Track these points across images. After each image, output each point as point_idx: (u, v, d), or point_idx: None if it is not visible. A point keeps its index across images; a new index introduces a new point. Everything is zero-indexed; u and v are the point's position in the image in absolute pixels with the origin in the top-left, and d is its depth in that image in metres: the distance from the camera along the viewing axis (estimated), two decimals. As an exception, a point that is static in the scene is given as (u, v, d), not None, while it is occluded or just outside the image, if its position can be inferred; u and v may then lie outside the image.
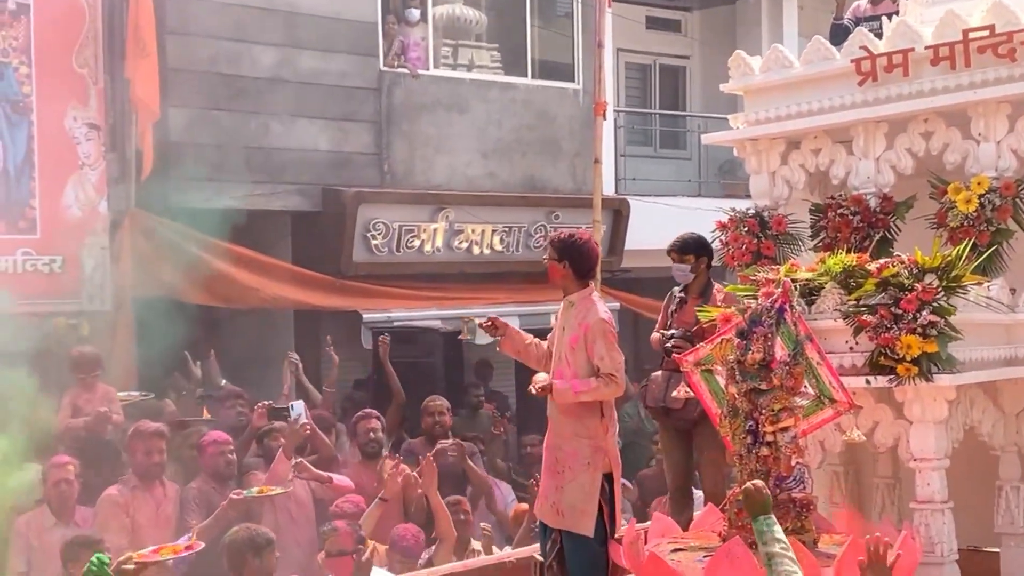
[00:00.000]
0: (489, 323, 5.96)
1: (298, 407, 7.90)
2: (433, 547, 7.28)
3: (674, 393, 5.91)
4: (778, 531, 4.12)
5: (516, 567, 6.19)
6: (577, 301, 5.75)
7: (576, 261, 5.76)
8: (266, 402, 8.42)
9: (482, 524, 7.64)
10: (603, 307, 5.79)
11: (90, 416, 8.34)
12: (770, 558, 4.00)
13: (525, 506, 7.73)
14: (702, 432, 6.19)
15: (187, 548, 5.37)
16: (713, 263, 6.78)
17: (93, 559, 4.62)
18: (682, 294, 6.49)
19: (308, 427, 7.84)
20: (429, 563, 6.88)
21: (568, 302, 5.78)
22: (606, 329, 5.65)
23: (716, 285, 6.43)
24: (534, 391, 5.69)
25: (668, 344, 6.23)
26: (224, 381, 9.79)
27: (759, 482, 4.28)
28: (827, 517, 5.88)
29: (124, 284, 10.16)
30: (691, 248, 6.42)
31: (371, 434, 8.31)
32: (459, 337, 6.58)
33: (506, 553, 6.79)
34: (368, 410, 8.63)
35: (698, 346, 5.61)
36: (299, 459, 7.61)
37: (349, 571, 6.31)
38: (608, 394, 5.66)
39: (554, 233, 5.99)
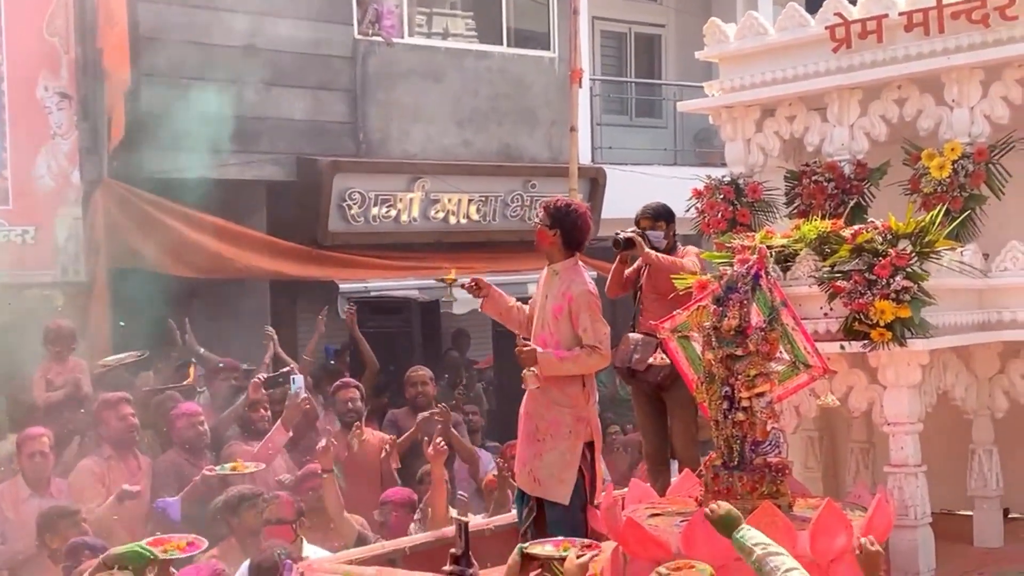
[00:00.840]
0: (473, 284, 5.95)
1: (299, 380, 7.91)
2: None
3: (650, 360, 5.93)
4: (755, 536, 4.10)
5: (495, 535, 6.21)
6: (561, 270, 5.74)
7: (568, 231, 5.74)
8: (262, 375, 8.40)
9: (459, 492, 7.65)
10: (588, 278, 5.80)
11: (65, 387, 8.32)
12: (759, 564, 4.01)
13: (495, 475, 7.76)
14: (673, 396, 6.24)
15: (190, 545, 5.37)
16: (689, 231, 6.84)
17: (134, 549, 4.73)
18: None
19: (308, 400, 7.83)
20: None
21: (552, 270, 5.77)
22: (591, 300, 5.66)
23: (681, 248, 6.49)
24: (521, 357, 5.65)
25: (621, 236, 6.28)
26: (202, 350, 9.76)
27: (719, 504, 4.25)
28: (802, 481, 5.94)
29: (98, 255, 10.11)
30: (662, 215, 6.54)
31: (349, 403, 8.33)
32: (443, 299, 6.55)
33: (484, 521, 6.80)
34: (347, 379, 8.65)
35: (675, 312, 5.63)
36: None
37: (289, 539, 6.29)
38: (592, 365, 5.68)
39: (550, 199, 5.96)
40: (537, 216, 5.84)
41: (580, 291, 5.65)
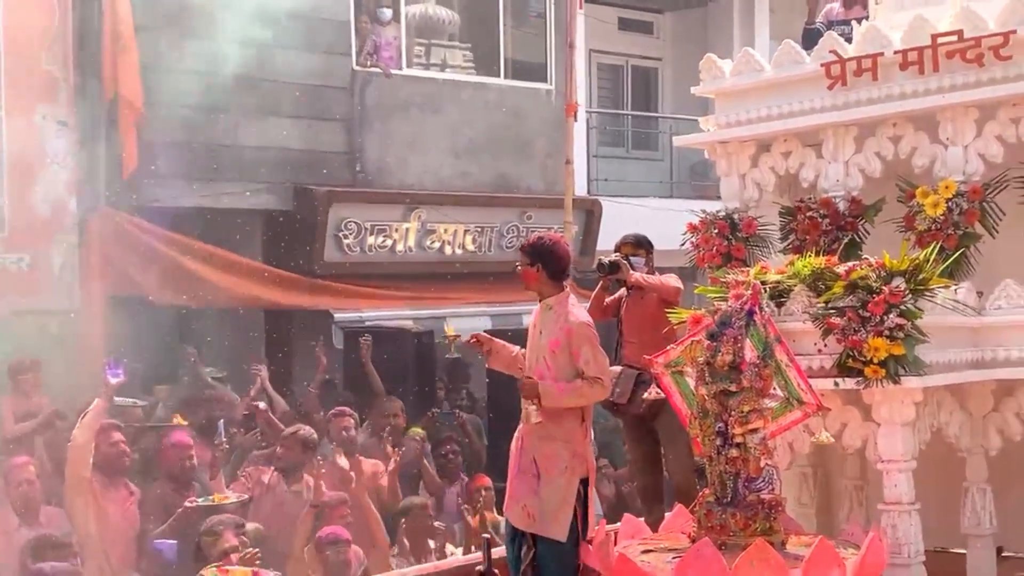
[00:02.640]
0: (474, 340, 5.92)
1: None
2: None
3: (644, 395, 5.93)
4: None
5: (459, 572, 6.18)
6: (555, 304, 5.72)
7: (548, 263, 5.74)
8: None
9: (436, 522, 7.63)
10: (582, 310, 5.80)
11: (40, 418, 8.27)
12: None
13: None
14: (662, 426, 6.24)
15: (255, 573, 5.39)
16: (684, 265, 6.88)
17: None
18: (627, 290, 6.60)
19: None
20: (366, 572, 6.86)
21: (545, 305, 5.74)
22: (590, 332, 5.64)
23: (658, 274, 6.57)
24: (523, 389, 5.62)
25: (607, 260, 6.40)
26: (210, 378, 9.73)
27: None
28: (796, 518, 5.92)
29: (93, 283, 10.10)
30: (643, 243, 6.70)
31: (344, 432, 8.32)
32: (447, 356, 6.57)
33: (471, 557, 6.78)
34: (342, 407, 8.63)
35: (668, 348, 5.63)
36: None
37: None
38: (594, 396, 5.65)
39: (525, 239, 5.99)
40: (519, 258, 5.82)
41: (578, 324, 5.64)
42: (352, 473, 7.86)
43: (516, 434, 5.76)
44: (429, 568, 6.59)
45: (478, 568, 4.28)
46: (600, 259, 6.42)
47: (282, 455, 7.76)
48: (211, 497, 7.28)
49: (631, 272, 6.37)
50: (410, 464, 8.50)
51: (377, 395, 9.68)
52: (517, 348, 5.95)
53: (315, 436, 8.09)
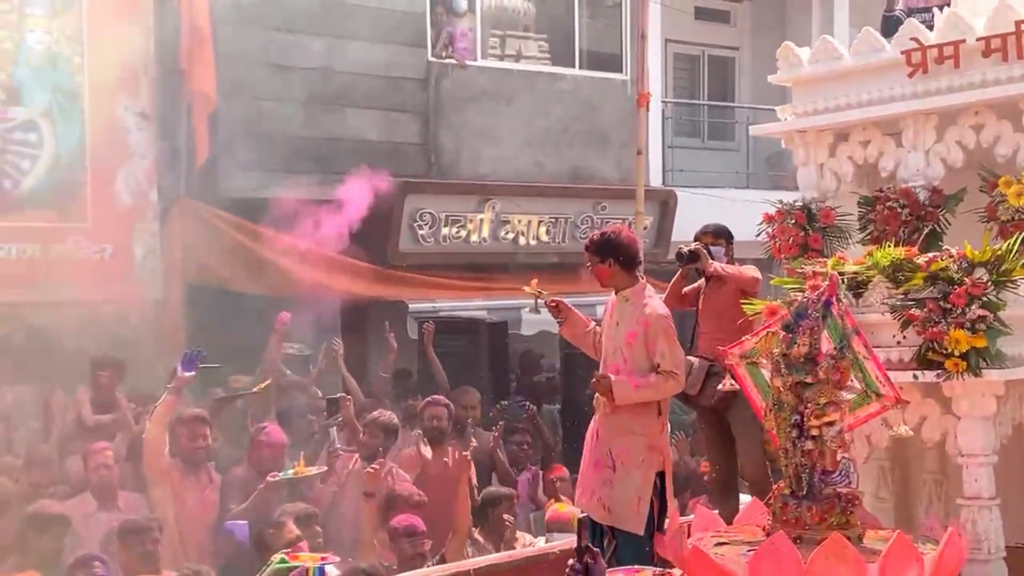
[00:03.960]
0: (554, 304, 5.95)
1: (332, 432, 8.03)
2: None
3: (719, 386, 5.89)
4: None
5: (560, 559, 6.18)
6: (631, 296, 5.71)
7: (619, 255, 5.73)
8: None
9: (505, 516, 7.62)
10: (660, 302, 5.78)
11: (118, 415, 8.40)
12: None
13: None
14: (734, 418, 6.20)
15: (323, 559, 5.49)
16: (760, 255, 6.81)
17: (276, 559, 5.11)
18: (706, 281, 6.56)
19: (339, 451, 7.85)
20: (442, 557, 6.87)
21: (622, 297, 5.74)
22: (667, 325, 5.64)
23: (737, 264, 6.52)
24: (599, 403, 5.61)
25: (686, 250, 6.37)
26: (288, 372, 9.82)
27: None
28: (873, 512, 5.84)
29: (174, 272, 10.25)
30: (723, 233, 6.67)
31: (435, 421, 8.37)
32: (527, 311, 6.57)
33: (548, 546, 6.79)
34: (437, 396, 8.70)
35: (743, 338, 5.58)
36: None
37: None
38: (668, 391, 5.65)
39: (589, 237, 5.97)
40: (587, 258, 5.80)
41: (656, 316, 5.63)
42: (445, 461, 7.90)
43: (591, 425, 5.77)
44: (507, 556, 6.62)
45: (579, 546, 4.17)
46: (680, 248, 6.39)
47: (365, 441, 7.83)
48: (290, 471, 7.36)
49: (710, 262, 6.33)
50: (483, 454, 8.52)
51: (440, 386, 9.68)
52: (593, 323, 5.97)
53: (396, 421, 8.15)
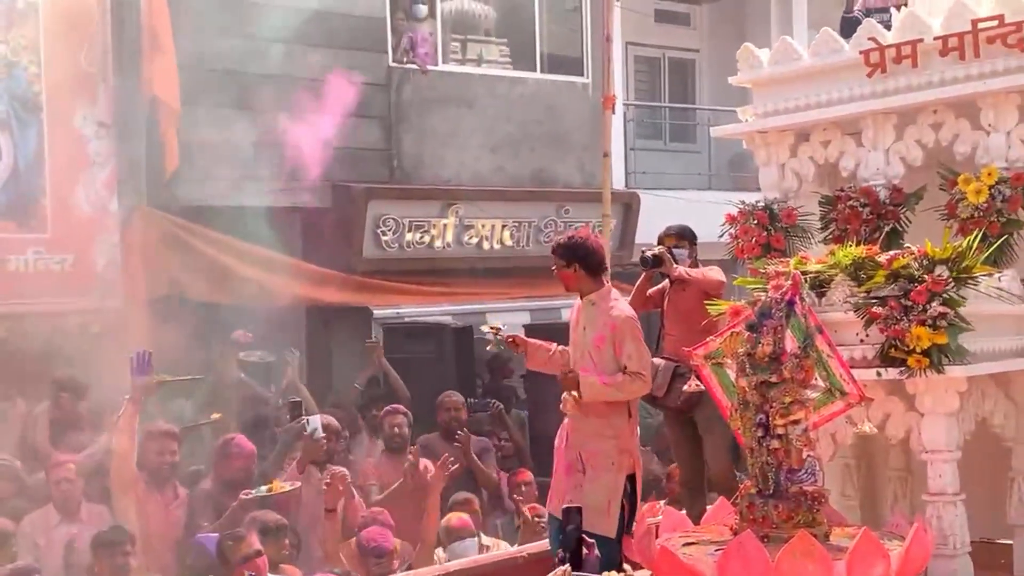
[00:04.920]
0: (511, 340, 5.93)
1: (314, 422, 7.86)
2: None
3: (684, 387, 5.91)
4: None
5: (528, 563, 6.18)
6: (598, 300, 5.72)
7: (585, 260, 5.74)
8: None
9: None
10: (626, 305, 5.80)
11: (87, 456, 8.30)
12: None
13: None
14: (701, 418, 6.23)
15: None
16: (723, 256, 6.84)
17: None
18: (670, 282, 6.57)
19: (324, 442, 7.75)
20: (409, 566, 6.84)
21: (588, 301, 5.74)
22: (634, 327, 5.65)
23: (701, 266, 6.53)
24: (566, 400, 5.59)
25: (649, 254, 6.34)
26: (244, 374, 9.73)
27: None
28: (839, 510, 5.87)
29: (136, 282, 10.17)
30: (687, 235, 6.70)
31: (396, 429, 8.34)
32: (487, 348, 6.55)
33: (517, 548, 6.78)
34: (396, 405, 8.66)
35: (708, 339, 5.60)
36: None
37: (264, 573, 6.10)
38: (634, 391, 5.66)
39: (554, 240, 5.95)
40: (553, 261, 5.80)
41: (623, 319, 5.64)
42: (409, 470, 7.87)
43: (560, 430, 5.76)
44: (473, 562, 6.61)
45: (570, 527, 4.14)
46: (644, 252, 6.40)
47: (305, 449, 7.77)
48: (265, 487, 7.30)
49: (674, 266, 6.35)
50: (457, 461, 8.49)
51: (400, 398, 9.61)
52: (555, 346, 5.94)
53: (336, 423, 8.09)
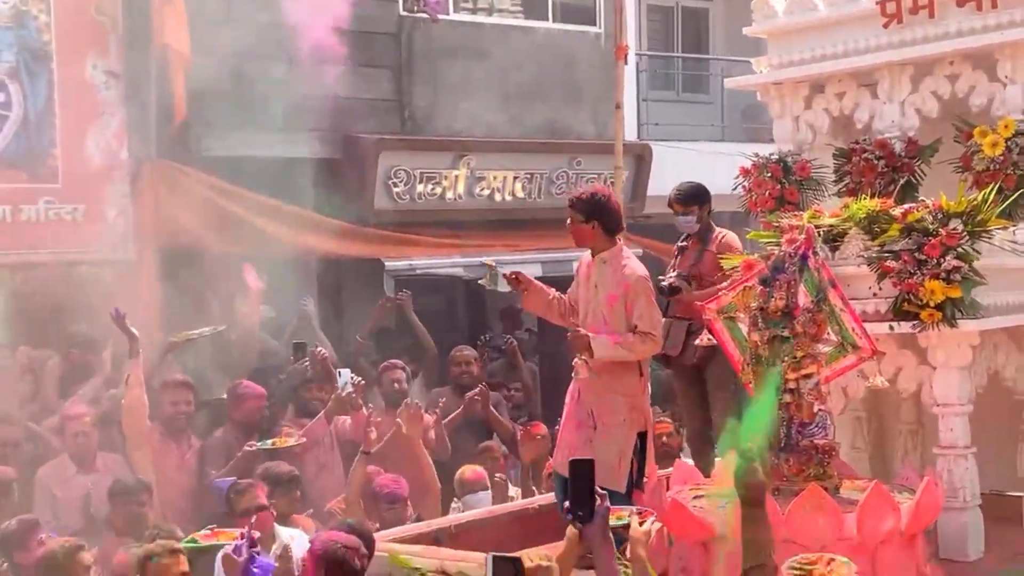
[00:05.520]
0: (513, 276, 5.86)
1: (345, 375, 7.87)
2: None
3: (696, 341, 5.89)
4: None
5: (539, 514, 6.20)
6: (609, 258, 5.65)
7: (604, 219, 5.66)
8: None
9: (497, 475, 7.62)
10: (639, 264, 5.75)
11: (91, 392, 8.33)
12: None
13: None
14: (712, 375, 6.21)
15: (241, 536, 5.49)
16: (737, 209, 6.78)
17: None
18: (685, 243, 6.50)
19: (356, 396, 7.76)
20: (418, 517, 6.87)
21: (600, 259, 5.68)
22: (647, 287, 5.61)
23: (716, 229, 6.42)
24: (573, 343, 5.55)
25: (665, 284, 6.24)
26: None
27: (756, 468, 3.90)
28: (849, 463, 5.88)
29: (146, 233, 10.17)
30: (692, 198, 6.45)
31: (395, 384, 8.34)
32: (479, 282, 6.44)
33: (527, 501, 6.81)
34: (394, 360, 8.64)
35: (720, 292, 5.59)
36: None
37: (270, 526, 6.04)
38: (645, 351, 5.64)
39: (574, 193, 5.84)
40: (569, 214, 5.70)
41: (636, 278, 5.58)
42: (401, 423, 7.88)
43: (572, 386, 5.75)
44: (486, 512, 6.64)
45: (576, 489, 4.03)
46: (660, 282, 6.26)
47: (336, 401, 7.79)
48: (270, 441, 7.34)
49: (691, 292, 6.18)
50: (478, 414, 8.52)
51: (427, 350, 9.63)
52: (555, 292, 5.91)
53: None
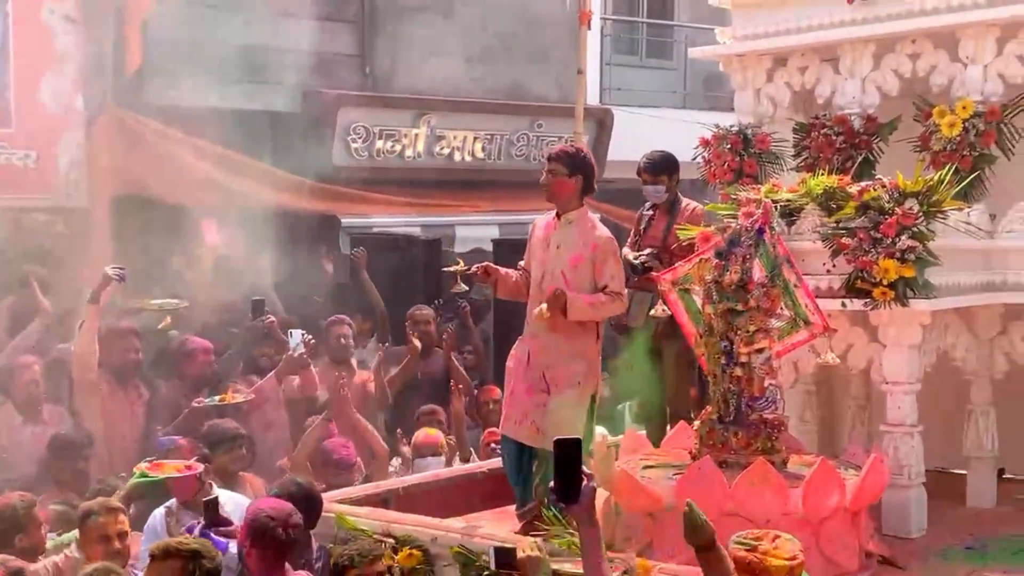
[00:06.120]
0: (481, 271, 5.79)
1: (296, 335, 7.82)
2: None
3: (651, 312, 5.89)
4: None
5: (489, 478, 6.22)
6: (576, 219, 5.60)
7: (587, 177, 5.60)
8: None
9: (447, 436, 7.61)
10: (604, 227, 5.74)
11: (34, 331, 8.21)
12: None
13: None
14: (669, 350, 6.22)
15: (187, 468, 5.48)
16: (695, 179, 6.78)
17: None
18: (651, 212, 6.48)
19: (306, 357, 7.74)
20: (368, 479, 6.87)
21: (566, 219, 5.63)
22: (615, 249, 5.57)
23: (684, 200, 6.41)
24: (545, 311, 5.51)
25: (638, 262, 6.22)
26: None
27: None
28: (797, 436, 5.93)
29: (100, 181, 10.03)
30: (663, 168, 6.43)
31: (341, 339, 8.31)
32: (451, 291, 6.36)
33: (475, 465, 6.82)
34: (340, 316, 8.60)
35: (676, 264, 5.59)
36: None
37: (193, 490, 5.80)
38: (612, 311, 5.62)
39: (559, 148, 5.77)
40: (552, 167, 5.63)
41: (605, 239, 5.54)
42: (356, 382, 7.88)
43: (518, 349, 5.68)
44: (433, 476, 6.65)
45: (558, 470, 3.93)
46: (631, 260, 6.24)
47: (287, 361, 7.75)
48: (217, 397, 7.30)
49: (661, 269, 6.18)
50: (437, 371, 8.51)
51: (375, 308, 9.58)
52: (515, 273, 5.85)
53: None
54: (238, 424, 6.90)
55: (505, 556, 4.16)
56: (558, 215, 5.64)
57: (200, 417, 7.10)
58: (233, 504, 5.85)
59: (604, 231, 5.62)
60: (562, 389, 5.53)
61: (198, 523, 4.80)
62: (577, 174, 5.56)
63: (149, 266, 9.53)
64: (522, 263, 5.83)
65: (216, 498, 5.21)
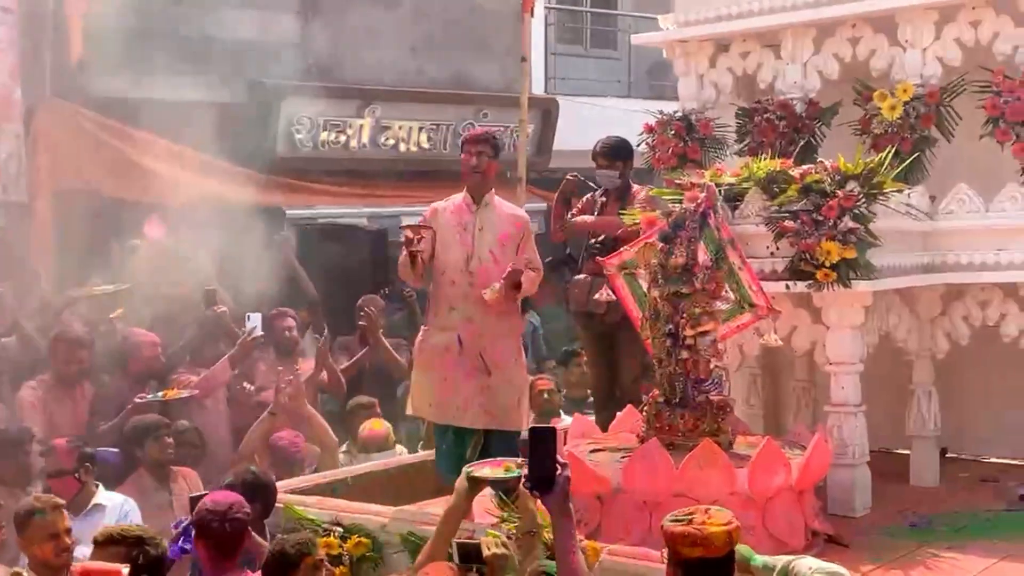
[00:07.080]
0: (425, 225, 5.75)
1: (254, 319, 7.75)
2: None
3: (596, 296, 5.92)
4: (768, 559, 3.98)
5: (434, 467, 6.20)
6: (491, 201, 5.80)
7: (498, 161, 5.81)
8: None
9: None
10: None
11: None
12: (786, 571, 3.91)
13: None
14: (622, 336, 6.24)
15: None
16: (640, 166, 6.80)
17: None
18: (603, 198, 6.50)
19: (261, 339, 7.67)
20: (315, 470, 6.83)
21: (484, 202, 5.76)
22: (532, 228, 5.75)
23: (635, 187, 6.44)
24: (497, 290, 5.49)
25: (592, 246, 6.27)
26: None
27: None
28: (744, 419, 5.98)
29: (40, 175, 9.89)
30: (618, 154, 6.46)
31: (286, 332, 8.26)
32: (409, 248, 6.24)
33: (425, 452, 6.80)
34: (283, 308, 8.55)
35: (622, 249, 5.61)
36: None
37: (72, 491, 5.79)
38: (534, 289, 5.73)
39: (481, 131, 5.92)
40: (480, 149, 5.70)
41: (526, 219, 5.81)
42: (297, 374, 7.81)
43: (441, 338, 5.66)
44: (383, 464, 6.63)
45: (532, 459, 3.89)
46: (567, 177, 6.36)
47: (242, 346, 7.68)
48: (160, 393, 7.23)
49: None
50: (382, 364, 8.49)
51: (306, 295, 9.50)
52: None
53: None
54: (184, 418, 6.85)
55: (469, 551, 4.14)
56: (473, 199, 5.71)
57: (144, 412, 7.02)
58: (113, 505, 5.82)
59: (523, 212, 5.92)
60: (504, 368, 5.64)
61: (186, 518, 4.73)
62: (496, 157, 5.72)
63: (91, 259, 9.43)
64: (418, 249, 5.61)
65: (204, 494, 5.12)
